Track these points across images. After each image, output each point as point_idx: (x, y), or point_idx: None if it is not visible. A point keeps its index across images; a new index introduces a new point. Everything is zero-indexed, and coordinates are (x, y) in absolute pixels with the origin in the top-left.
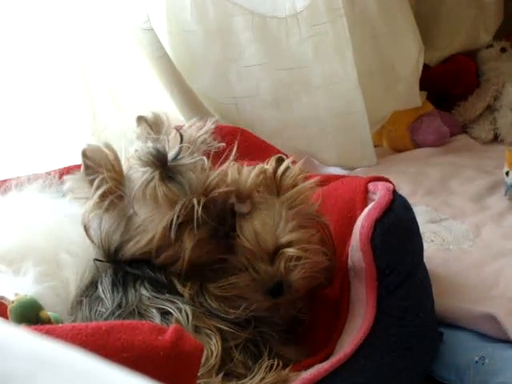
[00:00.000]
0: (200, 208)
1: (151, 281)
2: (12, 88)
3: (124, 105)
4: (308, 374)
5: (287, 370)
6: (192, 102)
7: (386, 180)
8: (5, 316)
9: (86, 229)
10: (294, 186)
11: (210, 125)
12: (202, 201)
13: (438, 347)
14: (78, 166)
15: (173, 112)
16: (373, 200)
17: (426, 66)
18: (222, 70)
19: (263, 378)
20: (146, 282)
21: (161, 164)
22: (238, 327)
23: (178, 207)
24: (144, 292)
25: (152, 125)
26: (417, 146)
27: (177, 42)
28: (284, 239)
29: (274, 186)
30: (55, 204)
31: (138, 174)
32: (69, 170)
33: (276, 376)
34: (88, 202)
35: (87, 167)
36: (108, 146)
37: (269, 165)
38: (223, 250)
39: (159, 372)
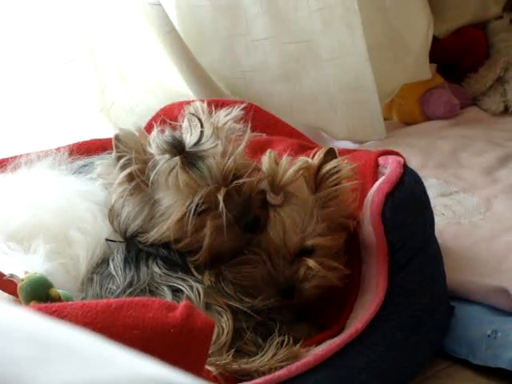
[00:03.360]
0: (222, 196)
1: (164, 259)
2: (20, 64)
3: (132, 80)
4: (320, 349)
5: (298, 345)
6: (200, 77)
7: (397, 154)
8: (15, 294)
9: (112, 210)
10: (335, 185)
11: (237, 111)
12: (224, 190)
13: (450, 321)
14: (88, 142)
15: (181, 87)
16: (383, 174)
17: (435, 39)
18: (231, 45)
19: (274, 355)
20: (158, 260)
21: (179, 151)
22: (251, 309)
23: (199, 194)
24: (156, 269)
25: (198, 114)
26: (427, 118)
27: (185, 16)
28: (310, 242)
29: (314, 181)
30: (65, 181)
31: (162, 160)
32: (78, 146)
33: (287, 352)
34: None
35: (119, 151)
36: (139, 130)
37: (316, 158)
38: (246, 239)
39: (170, 349)
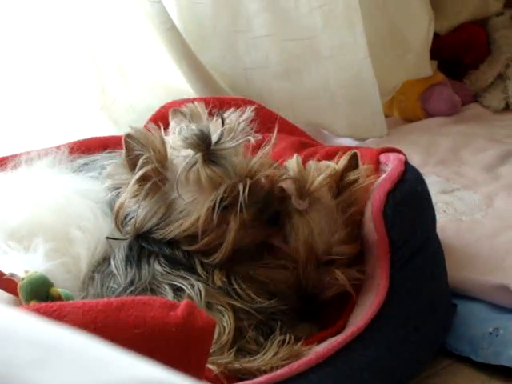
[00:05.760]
0: (246, 190)
1: (167, 257)
2: (20, 62)
3: (133, 78)
4: (321, 347)
5: (299, 344)
6: (201, 74)
7: (398, 151)
8: (15, 293)
9: (122, 210)
10: (355, 190)
11: (249, 113)
12: (248, 183)
13: (452, 319)
14: (88, 140)
15: (182, 84)
16: (385, 171)
17: (436, 35)
18: (231, 42)
19: (276, 353)
20: (160, 258)
21: (205, 146)
22: (255, 309)
23: (221, 189)
24: (158, 268)
25: (187, 116)
26: (428, 115)
27: (185, 13)
28: (335, 250)
29: (336, 187)
30: (65, 179)
31: (180, 158)
32: (79, 145)
33: (289, 351)
34: (128, 186)
35: (130, 150)
36: (154, 129)
37: (340, 163)
38: (267, 234)
39: (171, 348)
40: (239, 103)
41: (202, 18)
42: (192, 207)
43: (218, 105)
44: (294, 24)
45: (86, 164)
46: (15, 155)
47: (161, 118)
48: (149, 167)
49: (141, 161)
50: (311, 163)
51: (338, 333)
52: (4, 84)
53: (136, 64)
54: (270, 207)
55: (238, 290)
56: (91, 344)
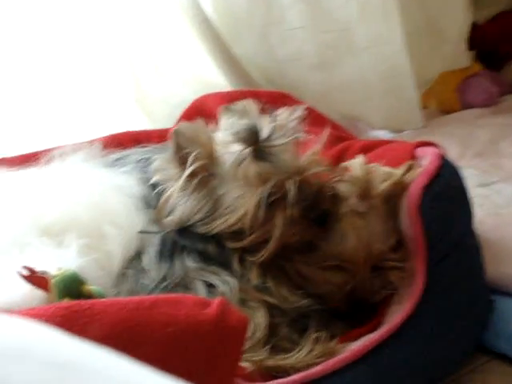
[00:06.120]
0: (294, 187)
1: (200, 253)
2: (55, 56)
3: (166, 71)
4: (357, 345)
5: (334, 341)
6: (235, 67)
7: (434, 145)
8: (48, 290)
9: (166, 205)
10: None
11: (300, 112)
12: (297, 180)
13: (490, 316)
14: (121, 135)
15: (216, 77)
16: (421, 166)
17: (474, 25)
18: (265, 34)
19: (311, 351)
20: (193, 253)
21: (254, 141)
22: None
23: (269, 185)
24: (191, 263)
25: (239, 113)
26: (465, 107)
27: (219, 5)
28: (389, 255)
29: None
30: (99, 175)
31: (228, 153)
32: (112, 139)
33: (323, 348)
34: (176, 182)
35: (178, 146)
36: (202, 125)
37: (400, 172)
38: (313, 233)
39: (204, 346)
40: (274, 96)
41: (236, 11)
42: (239, 202)
43: (252, 98)
44: (329, 15)
45: (119, 159)
46: (48, 150)
47: (195, 111)
48: (198, 163)
49: (191, 157)
50: (376, 166)
51: (373, 330)
52: (39, 77)
53: (170, 57)
54: (318, 206)
55: (273, 288)
56: (115, 363)
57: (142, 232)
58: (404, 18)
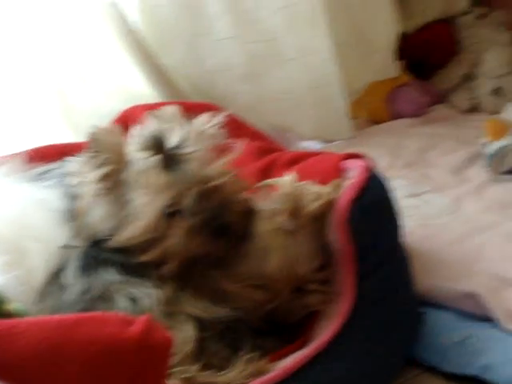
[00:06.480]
0: (193, 197)
1: (121, 265)
2: None
3: (93, 82)
4: (288, 362)
5: (264, 360)
6: (163, 78)
7: (362, 157)
8: None
9: (81, 210)
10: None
11: (220, 118)
12: (198, 190)
13: (420, 328)
14: (45, 148)
15: (144, 89)
16: (348, 178)
17: (402, 35)
18: (194, 44)
19: (243, 370)
20: (115, 266)
21: (160, 150)
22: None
23: (170, 195)
24: (112, 276)
25: (162, 118)
26: (394, 117)
27: (146, 16)
28: (312, 276)
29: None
30: (21, 189)
31: (138, 160)
32: (35, 153)
33: (254, 368)
34: (88, 184)
35: (93, 149)
36: (116, 129)
37: (330, 192)
38: (215, 245)
39: (128, 365)
40: (202, 107)
41: (164, 21)
42: (141, 211)
43: (180, 109)
44: (257, 26)
45: (43, 173)
46: None
47: (122, 123)
48: (107, 168)
49: (99, 161)
50: (305, 184)
51: (303, 347)
52: None
53: (97, 68)
54: (219, 218)
55: (192, 300)
56: None
57: (63, 247)
58: (332, 28)
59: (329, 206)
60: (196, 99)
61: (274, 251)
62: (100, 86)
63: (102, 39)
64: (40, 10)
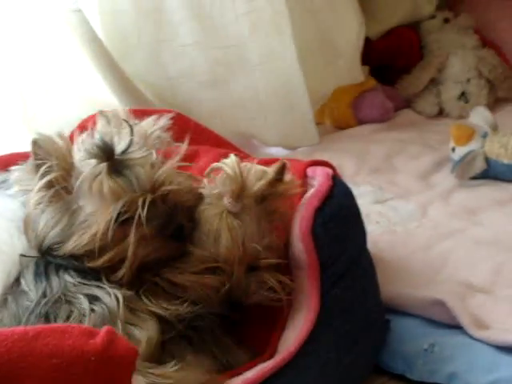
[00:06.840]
0: (145, 204)
1: (76, 269)
2: None
3: (55, 91)
4: (251, 374)
5: (220, 375)
6: (126, 85)
7: (326, 164)
8: None
9: (29, 218)
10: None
11: (165, 121)
12: (149, 198)
13: (385, 336)
14: (6, 157)
15: (107, 97)
16: (312, 186)
17: (367, 40)
18: (156, 51)
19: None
20: (70, 270)
21: (107, 157)
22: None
23: (120, 203)
24: (69, 279)
25: (111, 120)
26: (360, 122)
27: (108, 22)
28: (263, 254)
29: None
30: None
31: (86, 166)
32: None
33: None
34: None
35: (37, 157)
36: (61, 136)
37: (272, 170)
38: (173, 249)
39: (91, 377)
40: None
41: (125, 28)
42: (92, 220)
43: (140, 116)
44: (220, 32)
45: (3, 181)
46: None
47: (83, 131)
48: (52, 175)
49: (43, 168)
50: (248, 165)
51: (269, 358)
52: None
53: (58, 76)
54: (173, 222)
55: (147, 300)
56: None
57: (21, 256)
58: (297, 33)
59: (273, 185)
60: (159, 106)
61: (223, 233)
62: (62, 94)
63: (65, 46)
64: (1, 16)
